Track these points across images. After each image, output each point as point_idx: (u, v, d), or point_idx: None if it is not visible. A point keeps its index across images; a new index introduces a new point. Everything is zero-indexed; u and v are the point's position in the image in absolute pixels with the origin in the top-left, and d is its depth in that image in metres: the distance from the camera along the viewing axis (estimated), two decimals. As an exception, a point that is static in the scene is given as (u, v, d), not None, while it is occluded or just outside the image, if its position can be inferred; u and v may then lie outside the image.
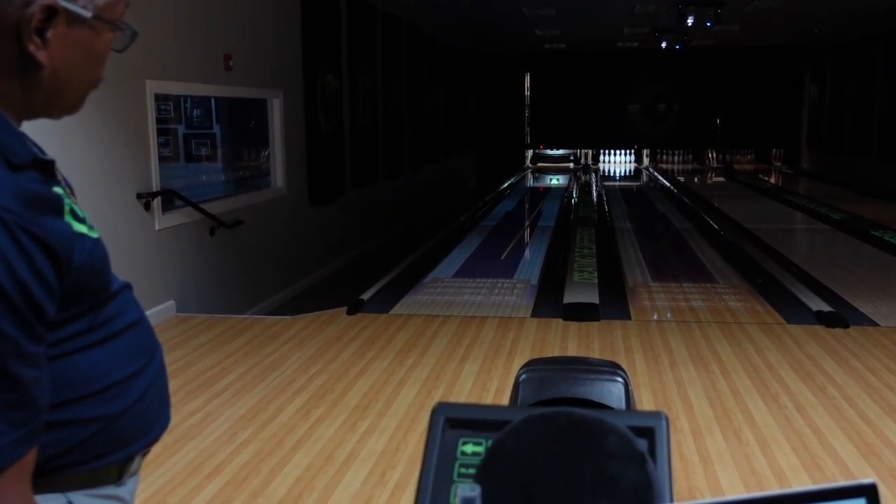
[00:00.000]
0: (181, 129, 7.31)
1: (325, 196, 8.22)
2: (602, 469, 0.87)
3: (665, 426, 0.94)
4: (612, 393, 1.60)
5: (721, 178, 19.14)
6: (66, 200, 1.03)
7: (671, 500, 0.88)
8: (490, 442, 0.90)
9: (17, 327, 0.90)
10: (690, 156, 22.63)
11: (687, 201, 13.56)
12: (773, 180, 18.48)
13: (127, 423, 1.12)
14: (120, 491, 1.16)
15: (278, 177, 7.31)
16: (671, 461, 0.91)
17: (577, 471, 0.86)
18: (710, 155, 22.37)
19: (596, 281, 6.82)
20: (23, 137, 1.03)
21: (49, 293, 0.95)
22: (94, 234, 1.07)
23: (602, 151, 22.43)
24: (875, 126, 14.92)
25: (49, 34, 0.99)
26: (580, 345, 4.84)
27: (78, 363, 1.06)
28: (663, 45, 15.19)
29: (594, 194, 14.89)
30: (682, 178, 18.81)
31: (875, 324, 5.42)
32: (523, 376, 1.64)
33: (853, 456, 3.26)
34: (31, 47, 0.98)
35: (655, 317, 5.84)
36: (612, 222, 11.06)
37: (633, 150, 22.35)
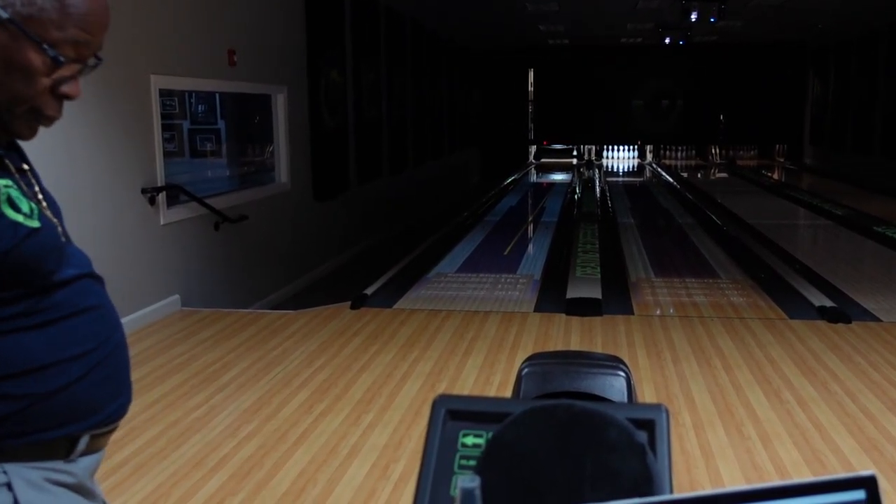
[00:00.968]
0: (186, 125, 7.33)
1: (330, 191, 8.23)
2: (602, 461, 0.88)
3: (665, 418, 0.95)
4: (614, 387, 1.61)
5: (724, 174, 19.11)
6: (7, 191, 1.06)
7: (671, 493, 0.89)
8: (490, 434, 0.91)
9: None
10: (693, 151, 22.60)
11: (690, 197, 13.55)
12: (775, 176, 18.45)
13: (61, 403, 1.14)
14: (71, 467, 1.19)
15: (282, 172, 7.32)
16: (671, 453, 0.92)
17: (578, 463, 0.87)
18: (713, 151, 22.35)
19: (599, 276, 6.83)
20: None
21: None
22: (34, 224, 1.09)
23: (605, 147, 22.42)
24: (878, 122, 14.89)
25: None
26: (583, 339, 4.85)
27: (6, 344, 1.09)
28: (667, 40, 15.17)
29: (597, 190, 14.88)
30: (685, 174, 18.79)
31: (878, 319, 5.42)
32: (525, 370, 1.65)
33: (855, 451, 3.26)
34: None
35: (658, 312, 5.85)
36: (615, 218, 11.06)
37: (636, 146, 22.33)
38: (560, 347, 4.67)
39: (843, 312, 5.38)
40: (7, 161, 1.11)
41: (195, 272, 5.80)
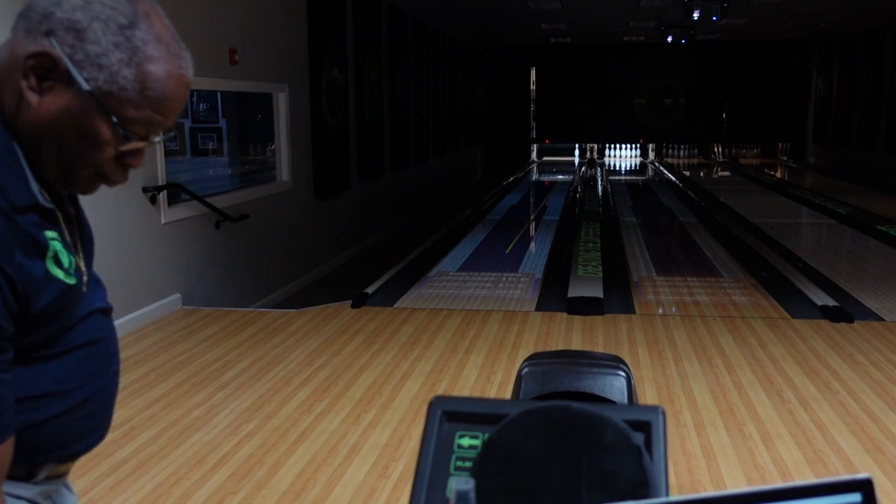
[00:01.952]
0: (187, 124, 7.34)
1: (331, 189, 8.23)
2: (598, 463, 0.87)
3: (662, 420, 0.94)
4: (614, 387, 1.61)
5: (727, 173, 19.09)
6: (54, 244, 1.10)
7: (667, 495, 0.88)
8: (487, 435, 0.91)
9: None
10: (696, 150, 22.58)
11: (692, 196, 13.54)
12: (779, 174, 18.43)
13: (36, 434, 1.15)
14: (31, 490, 1.20)
15: (284, 170, 7.32)
16: (667, 455, 0.92)
17: (574, 464, 0.87)
18: (715, 149, 22.32)
19: (600, 275, 6.82)
20: (28, 182, 1.08)
21: (11, 316, 1.03)
22: (70, 281, 1.13)
23: (607, 145, 22.40)
24: (883, 120, 14.86)
25: (47, 84, 1.04)
26: (584, 338, 4.84)
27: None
28: (669, 39, 15.15)
29: (599, 188, 14.87)
30: (687, 173, 18.77)
31: (881, 318, 5.41)
32: (526, 370, 1.65)
33: (857, 450, 3.26)
34: (23, 83, 1.05)
35: (660, 311, 5.84)
36: (617, 216, 11.05)
37: (638, 145, 22.31)
38: (561, 346, 4.67)
39: (845, 311, 5.37)
40: (58, 212, 1.13)
41: (196, 271, 5.81)
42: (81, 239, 1.22)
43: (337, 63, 8.30)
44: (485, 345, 4.72)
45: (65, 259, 1.12)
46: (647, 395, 3.88)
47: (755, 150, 22.21)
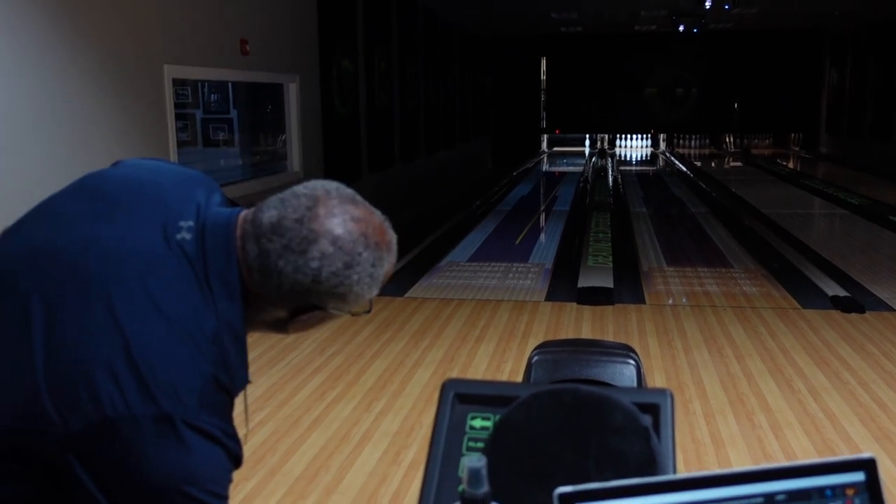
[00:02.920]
0: (199, 114, 7.36)
1: (341, 179, 8.19)
2: (607, 443, 0.89)
3: (670, 402, 0.96)
4: (623, 375, 1.62)
5: (738, 163, 18.99)
6: None
7: (674, 474, 0.90)
8: (498, 417, 0.93)
9: None
10: (707, 140, 22.47)
11: (703, 186, 13.49)
12: (791, 165, 18.33)
13: None
14: None
15: (294, 161, 7.34)
16: (675, 437, 0.93)
17: (583, 445, 0.89)
18: (727, 139, 22.20)
19: (611, 265, 6.83)
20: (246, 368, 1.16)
21: None
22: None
23: (618, 136, 22.32)
24: (896, 110, 14.74)
25: (305, 317, 1.19)
26: (594, 328, 4.85)
27: None
28: (681, 28, 15.06)
29: (610, 179, 14.84)
30: (698, 163, 18.70)
31: (892, 309, 5.39)
32: (536, 358, 1.67)
33: (867, 440, 3.26)
34: (290, 328, 1.22)
35: (670, 301, 5.84)
36: (627, 207, 11.03)
37: (649, 135, 22.22)
38: (571, 336, 4.68)
39: (856, 302, 5.36)
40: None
41: (209, 260, 5.83)
42: None
43: (347, 53, 8.31)
44: (495, 334, 4.74)
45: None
46: (657, 384, 3.90)
47: (767, 141, 22.09)
